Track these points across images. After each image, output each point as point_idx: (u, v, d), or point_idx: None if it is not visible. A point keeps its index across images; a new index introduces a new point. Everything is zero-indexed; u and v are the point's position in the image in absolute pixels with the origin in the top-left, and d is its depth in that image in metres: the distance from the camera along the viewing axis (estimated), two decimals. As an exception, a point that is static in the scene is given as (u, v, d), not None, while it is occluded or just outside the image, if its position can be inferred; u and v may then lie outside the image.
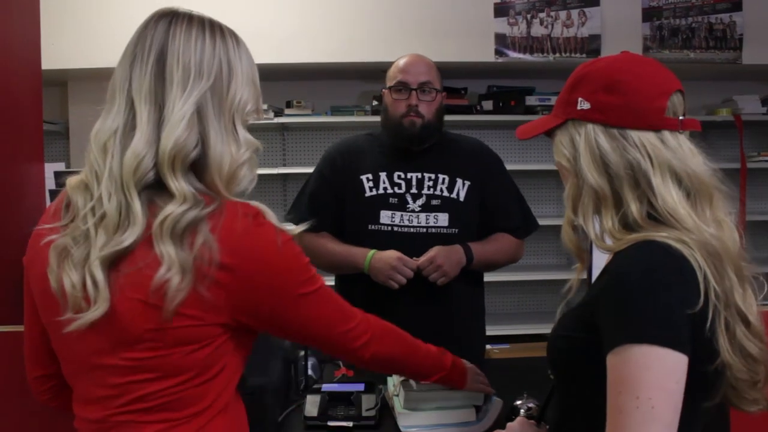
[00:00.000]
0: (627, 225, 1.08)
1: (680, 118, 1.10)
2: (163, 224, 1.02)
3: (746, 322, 1.04)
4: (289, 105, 3.92)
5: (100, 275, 1.03)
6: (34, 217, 1.18)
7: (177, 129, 1.05)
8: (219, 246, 1.03)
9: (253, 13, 3.63)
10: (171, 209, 1.03)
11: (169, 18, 1.12)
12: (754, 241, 1.11)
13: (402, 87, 2.14)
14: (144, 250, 1.03)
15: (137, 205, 1.04)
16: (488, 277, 2.34)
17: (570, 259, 1.32)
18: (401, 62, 2.18)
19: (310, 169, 2.31)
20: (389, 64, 2.23)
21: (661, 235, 1.03)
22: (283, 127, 4.10)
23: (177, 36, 1.10)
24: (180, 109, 1.06)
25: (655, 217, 1.07)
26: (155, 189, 1.06)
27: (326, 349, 1.27)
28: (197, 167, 1.09)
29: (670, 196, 1.06)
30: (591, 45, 3.85)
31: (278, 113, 3.87)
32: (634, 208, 1.07)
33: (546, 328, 1.21)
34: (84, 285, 1.04)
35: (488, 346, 2.38)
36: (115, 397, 1.07)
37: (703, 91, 4.15)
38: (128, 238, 1.03)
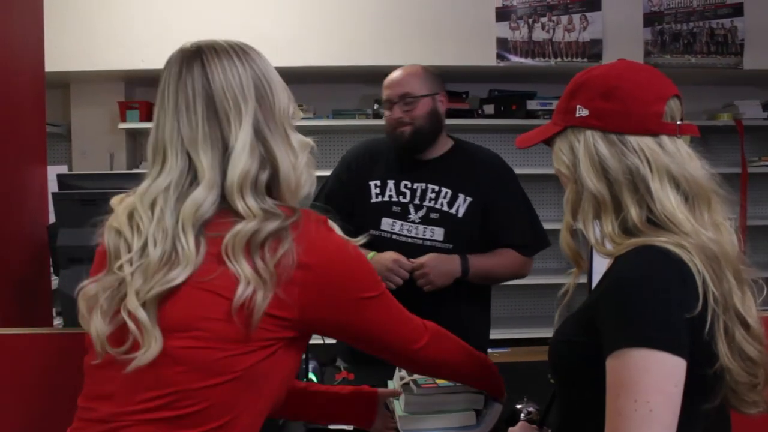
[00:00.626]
0: (627, 230, 1.08)
1: (678, 122, 1.11)
2: (234, 241, 1.04)
3: (745, 325, 1.05)
4: (290, 108, 3.93)
5: (143, 316, 1.03)
6: (36, 219, 1.18)
7: (241, 159, 1.08)
8: (297, 249, 1.06)
9: (254, 17, 3.64)
10: (240, 227, 1.05)
11: (199, 58, 1.12)
12: (755, 246, 1.11)
13: (387, 103, 2.20)
14: (210, 266, 1.05)
15: (191, 242, 1.05)
16: (490, 280, 2.33)
17: (570, 264, 1.32)
18: (386, 79, 2.22)
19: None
20: (391, 68, 2.24)
21: (661, 240, 1.03)
22: (285, 131, 4.10)
23: (215, 73, 1.11)
24: (242, 138, 1.09)
25: (655, 221, 1.07)
26: (213, 220, 1.07)
27: (387, 355, 1.28)
28: (270, 187, 1.11)
29: (668, 200, 1.06)
30: (592, 49, 3.85)
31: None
32: (633, 213, 1.07)
33: (546, 332, 1.21)
34: (112, 333, 1.05)
35: (488, 350, 2.37)
36: (141, 390, 1.05)
37: (704, 95, 4.16)
38: (178, 276, 1.04)
